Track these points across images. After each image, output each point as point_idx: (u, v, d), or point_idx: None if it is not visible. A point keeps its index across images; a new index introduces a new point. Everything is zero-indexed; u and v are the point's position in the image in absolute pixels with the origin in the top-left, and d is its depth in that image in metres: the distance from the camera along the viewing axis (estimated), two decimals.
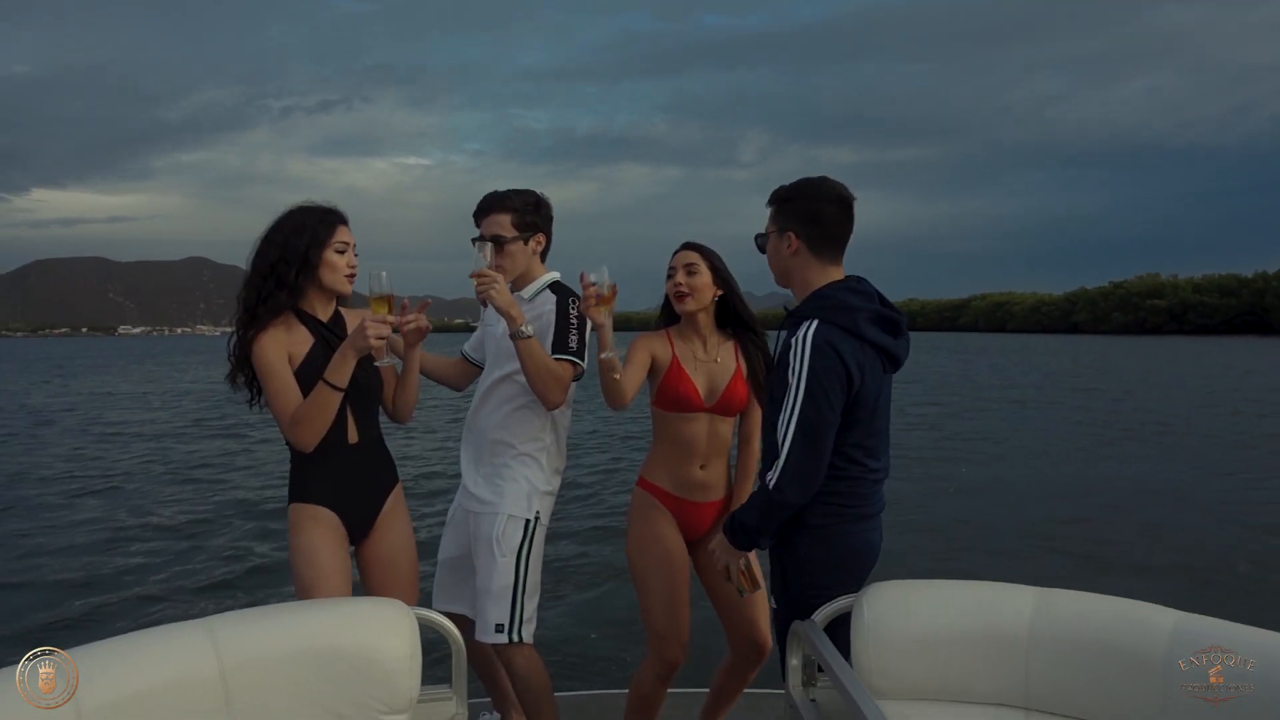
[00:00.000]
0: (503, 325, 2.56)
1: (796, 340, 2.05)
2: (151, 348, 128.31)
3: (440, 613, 2.70)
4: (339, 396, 2.28)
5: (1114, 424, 16.62)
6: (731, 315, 2.72)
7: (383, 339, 2.23)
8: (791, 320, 2.17)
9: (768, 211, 2.25)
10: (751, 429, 2.75)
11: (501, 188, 2.65)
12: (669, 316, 2.73)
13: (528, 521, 2.61)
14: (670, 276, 2.65)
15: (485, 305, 2.54)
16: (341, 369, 2.26)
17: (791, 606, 2.14)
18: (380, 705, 1.81)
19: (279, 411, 2.30)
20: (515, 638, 2.55)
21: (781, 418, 2.01)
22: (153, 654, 1.68)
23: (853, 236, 2.20)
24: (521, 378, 2.56)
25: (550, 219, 2.71)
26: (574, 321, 2.57)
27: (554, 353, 2.54)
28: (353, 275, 2.43)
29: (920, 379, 28.79)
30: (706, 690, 2.93)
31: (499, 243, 2.58)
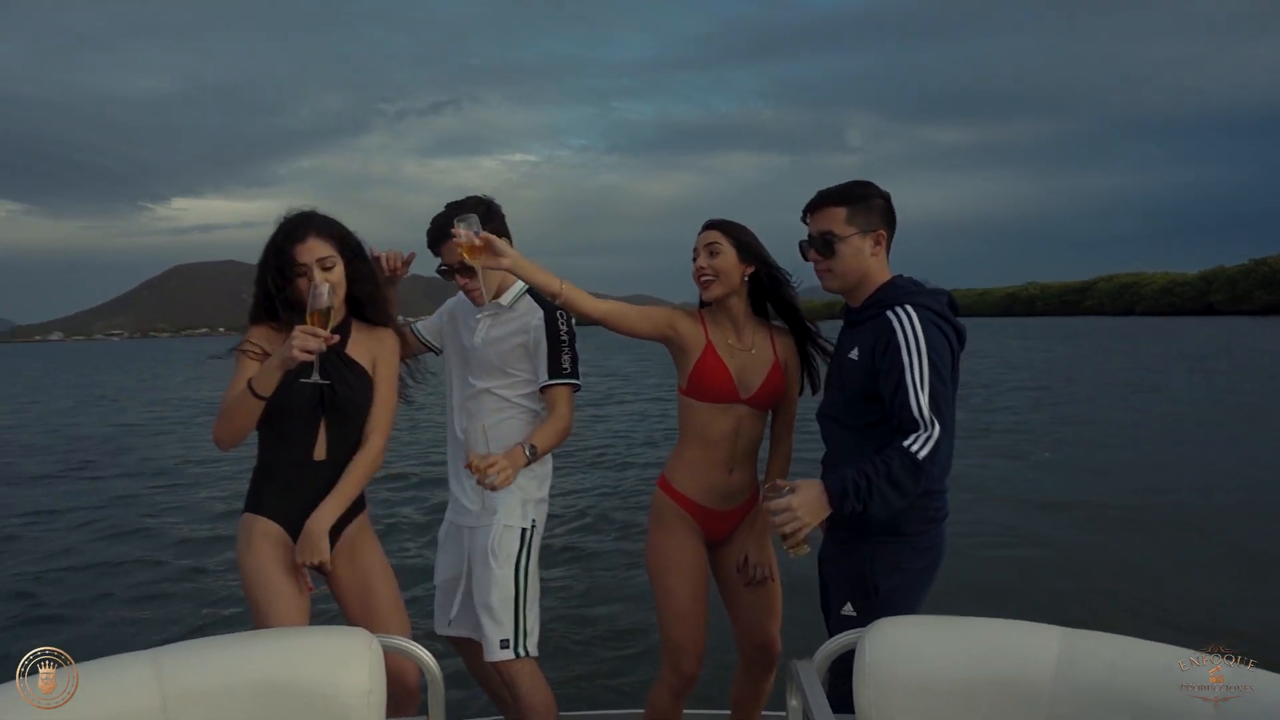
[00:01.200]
0: (481, 336, 2.56)
1: (902, 323, 2.02)
2: None
3: (445, 637, 2.67)
4: (258, 404, 2.23)
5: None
6: (771, 297, 2.55)
7: (309, 352, 2.14)
8: (869, 310, 2.16)
9: (840, 212, 2.18)
10: (784, 428, 2.60)
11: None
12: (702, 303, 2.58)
13: (524, 530, 2.55)
14: (694, 259, 2.48)
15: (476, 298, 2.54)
16: (266, 377, 2.20)
17: (878, 617, 1.99)
18: None
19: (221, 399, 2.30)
20: (521, 651, 2.49)
21: (911, 394, 1.96)
22: (95, 687, 1.61)
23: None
24: (504, 390, 2.56)
25: (503, 218, 2.56)
26: (564, 339, 2.51)
27: (550, 376, 2.49)
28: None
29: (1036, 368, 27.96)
30: (728, 713, 2.82)
31: (463, 267, 2.47)
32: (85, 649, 2.18)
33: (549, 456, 2.60)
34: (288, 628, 1.95)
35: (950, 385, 2.00)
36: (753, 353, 2.50)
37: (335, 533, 2.37)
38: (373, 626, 2.29)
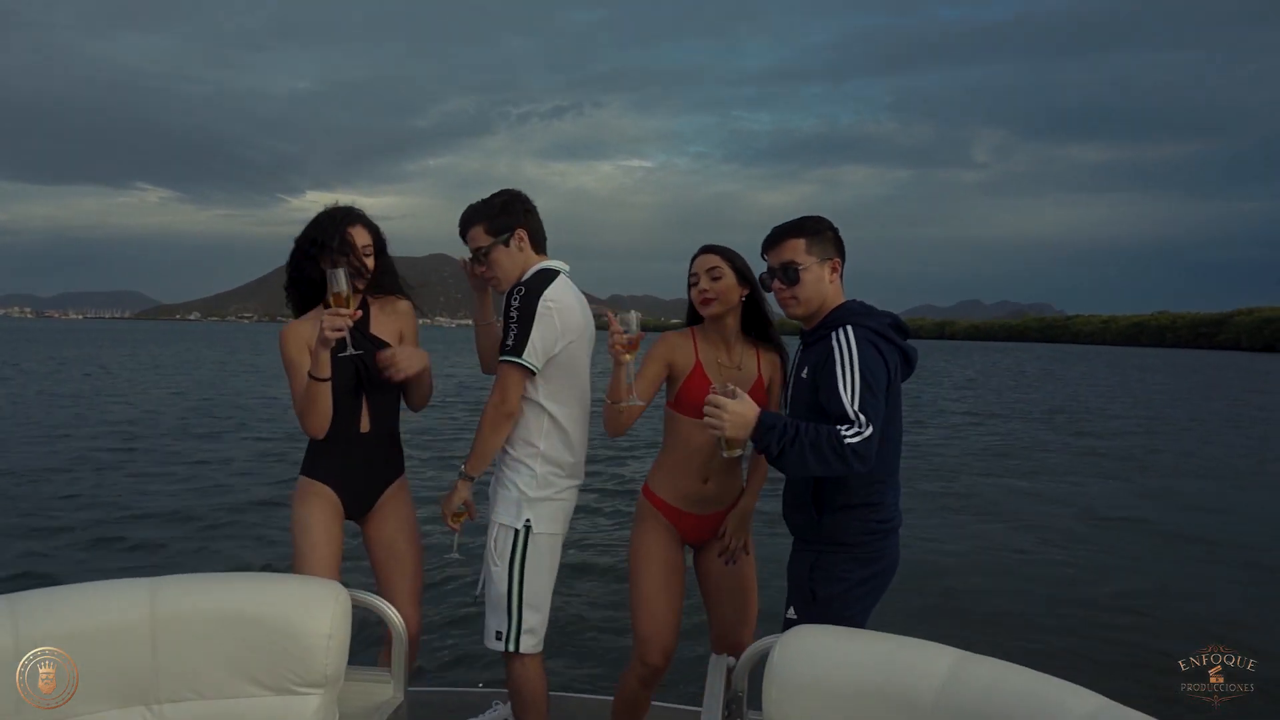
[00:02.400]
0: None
1: (839, 341, 2.14)
2: None
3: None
4: (325, 387, 2.43)
5: None
6: (756, 320, 2.66)
7: (339, 331, 2.31)
8: (819, 332, 2.28)
9: (799, 243, 2.28)
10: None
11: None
12: (693, 321, 2.68)
13: (516, 531, 2.53)
14: (693, 284, 2.59)
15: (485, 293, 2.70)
16: (317, 363, 2.40)
17: (817, 623, 2.07)
18: (294, 678, 1.88)
19: (294, 403, 2.54)
20: (511, 647, 2.54)
21: (848, 398, 2.06)
22: (94, 602, 1.81)
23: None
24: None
25: (527, 210, 2.58)
26: (514, 315, 2.44)
27: (499, 355, 2.47)
28: (360, 274, 2.55)
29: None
30: (700, 709, 3.17)
31: (480, 255, 2.56)
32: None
33: (568, 454, 2.57)
34: (270, 573, 2.11)
35: (881, 398, 2.09)
36: (739, 371, 2.61)
37: (376, 490, 2.67)
38: (389, 581, 2.63)
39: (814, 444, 2.00)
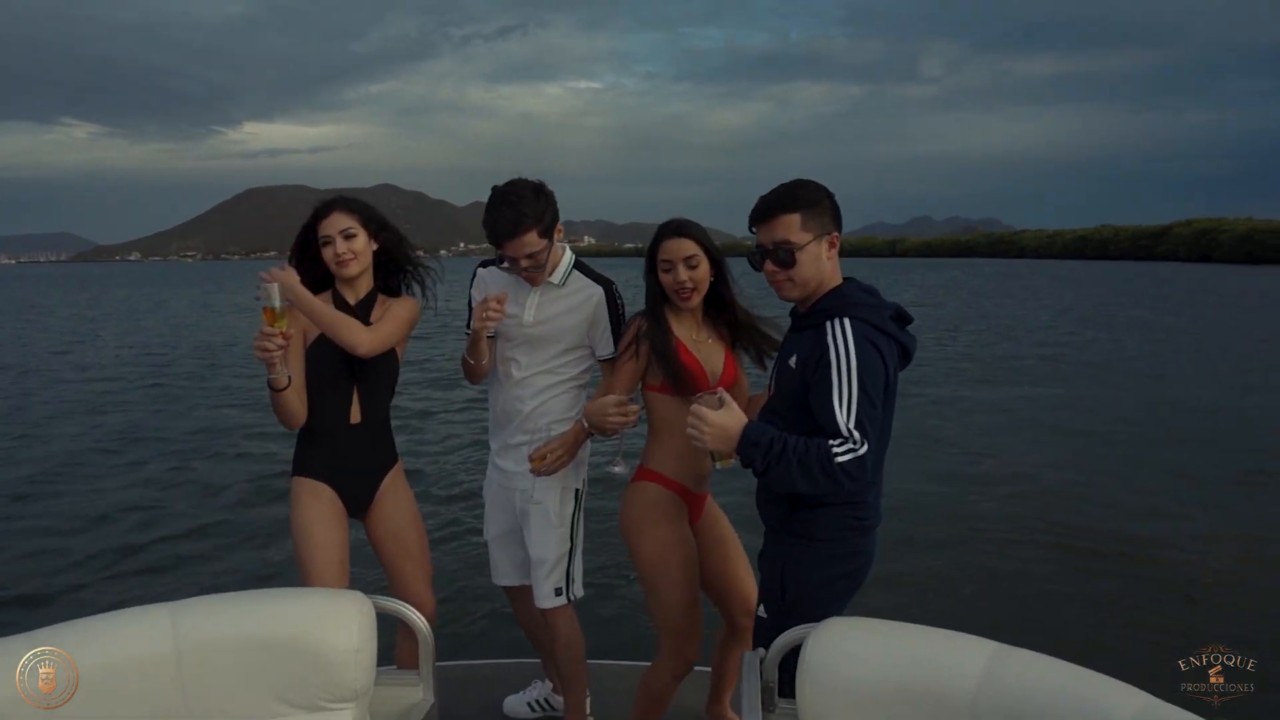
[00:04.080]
0: (531, 314, 2.59)
1: (835, 337, 1.96)
2: None
3: (502, 587, 2.93)
4: (280, 397, 2.39)
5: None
6: (718, 297, 2.56)
7: (266, 351, 2.23)
8: (812, 318, 2.09)
9: (794, 220, 2.07)
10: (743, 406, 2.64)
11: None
12: (651, 296, 2.53)
13: (577, 490, 2.70)
14: (666, 271, 2.44)
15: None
16: (271, 374, 2.35)
17: (783, 621, 2.03)
18: (325, 696, 1.88)
19: None
20: (571, 596, 2.69)
21: (842, 412, 1.90)
22: (116, 634, 1.78)
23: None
24: (555, 366, 2.63)
25: (555, 200, 2.54)
26: (623, 314, 2.64)
27: (610, 352, 2.61)
28: (343, 262, 2.48)
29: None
30: (708, 669, 2.92)
31: (537, 258, 2.47)
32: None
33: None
34: (290, 589, 2.06)
35: (879, 405, 1.93)
36: (709, 343, 2.56)
37: (373, 483, 2.63)
38: (400, 571, 2.65)
39: (802, 461, 1.88)
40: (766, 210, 2.11)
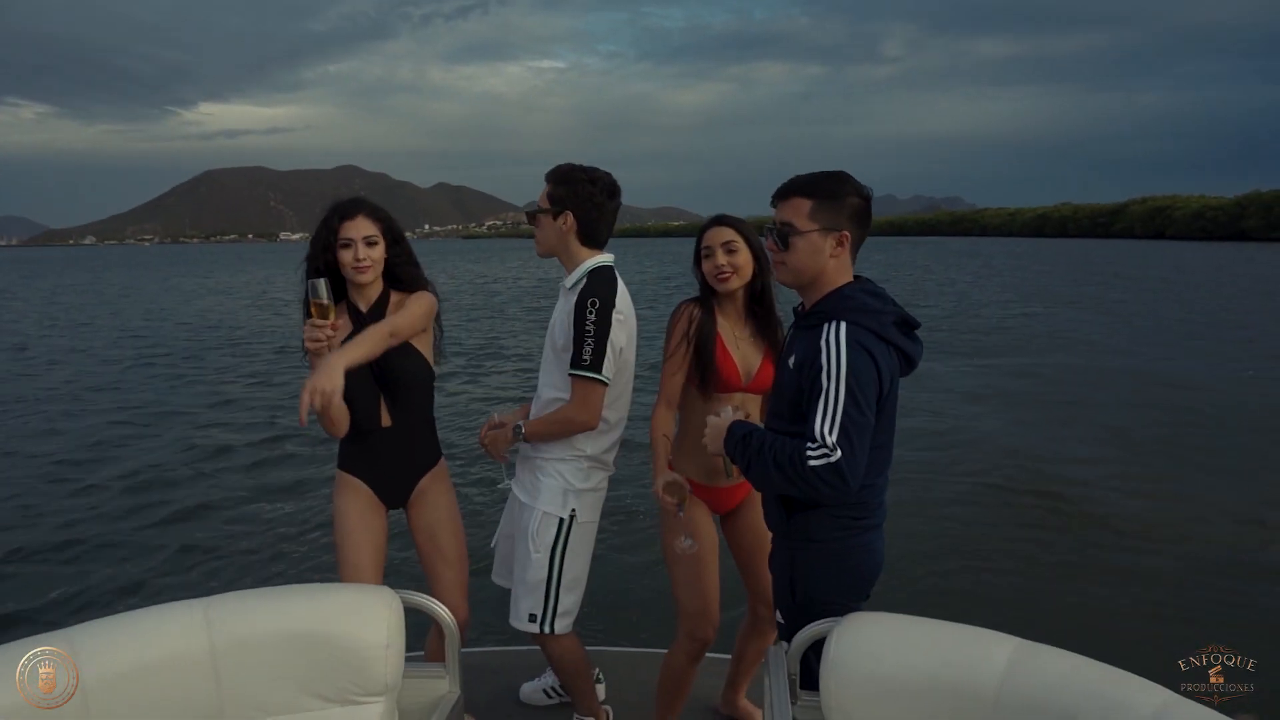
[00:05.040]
0: (554, 316, 2.59)
1: (828, 341, 1.94)
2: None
3: (499, 584, 2.88)
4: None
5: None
6: (762, 299, 2.62)
7: (319, 343, 2.26)
8: (812, 319, 2.06)
9: (804, 204, 2.03)
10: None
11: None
12: (703, 288, 2.62)
13: (561, 520, 2.58)
14: (707, 257, 2.55)
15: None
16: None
17: (798, 622, 2.05)
18: (356, 689, 1.91)
19: None
20: (547, 629, 2.59)
21: (822, 418, 1.88)
22: (151, 632, 1.80)
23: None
24: (556, 373, 2.56)
25: (584, 199, 2.48)
26: (590, 328, 2.41)
27: (569, 366, 2.45)
28: (361, 269, 2.45)
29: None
30: (728, 657, 2.99)
31: (534, 213, 2.53)
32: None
33: (607, 445, 2.62)
34: (320, 585, 2.10)
35: (869, 413, 1.90)
36: (750, 340, 2.61)
37: (413, 480, 2.64)
38: (437, 575, 2.63)
39: (777, 461, 1.91)
40: (785, 190, 2.08)
